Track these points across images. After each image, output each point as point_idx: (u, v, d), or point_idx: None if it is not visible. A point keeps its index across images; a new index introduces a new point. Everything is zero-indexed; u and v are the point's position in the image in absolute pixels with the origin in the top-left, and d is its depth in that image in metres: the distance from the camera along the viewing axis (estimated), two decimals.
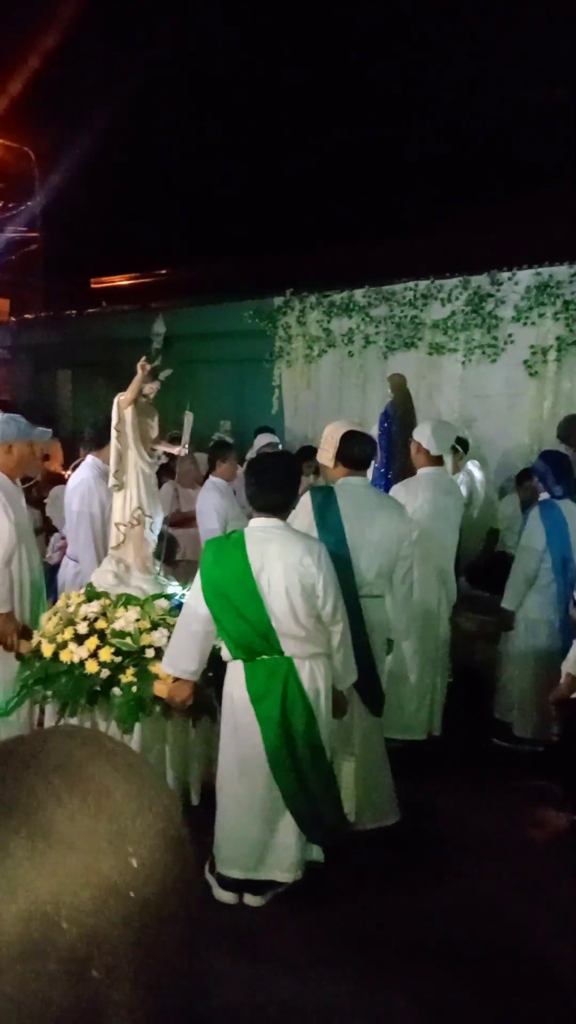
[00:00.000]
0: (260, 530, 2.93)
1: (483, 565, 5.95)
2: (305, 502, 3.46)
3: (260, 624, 2.85)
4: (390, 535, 3.41)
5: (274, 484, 2.97)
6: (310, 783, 2.90)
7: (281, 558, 2.83)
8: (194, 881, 0.54)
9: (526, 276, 6.44)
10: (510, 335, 6.55)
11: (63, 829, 0.48)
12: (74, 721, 3.41)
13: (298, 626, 2.84)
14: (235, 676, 2.96)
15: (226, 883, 3.02)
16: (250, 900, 3.05)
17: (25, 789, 0.49)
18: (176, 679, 3.10)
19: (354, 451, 3.49)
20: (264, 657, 2.90)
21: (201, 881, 2.54)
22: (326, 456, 3.57)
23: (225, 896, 3.02)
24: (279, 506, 2.97)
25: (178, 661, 3.06)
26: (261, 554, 2.85)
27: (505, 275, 6.56)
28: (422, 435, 4.48)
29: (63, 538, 4.90)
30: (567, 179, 7.08)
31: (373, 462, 4.74)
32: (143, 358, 3.62)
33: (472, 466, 6.16)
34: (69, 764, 0.52)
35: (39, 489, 7.01)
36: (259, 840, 2.95)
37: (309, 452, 7.47)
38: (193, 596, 2.99)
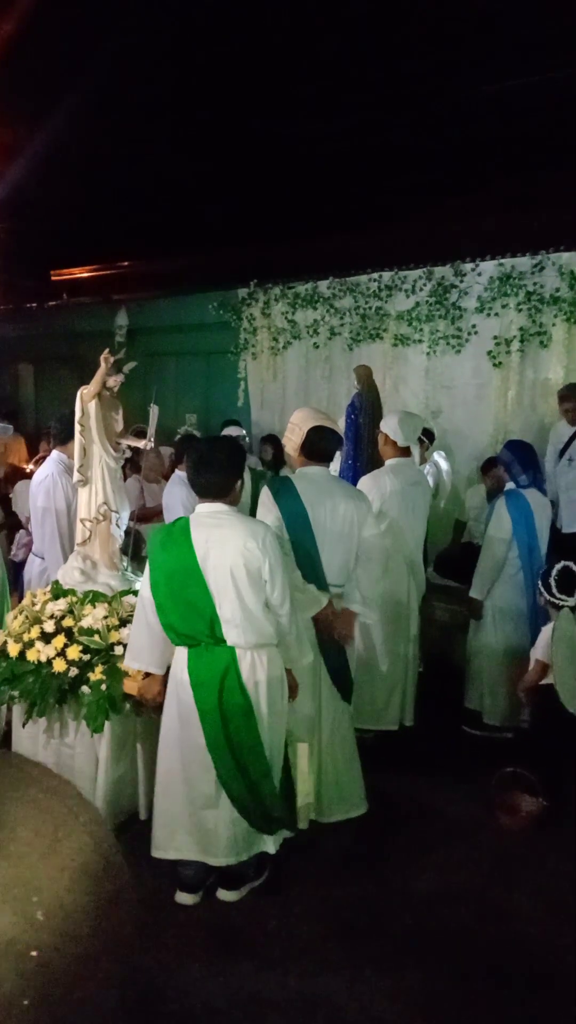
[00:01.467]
0: (206, 515, 2.89)
1: (450, 555, 5.99)
2: (266, 496, 3.43)
3: (205, 611, 2.81)
4: (350, 520, 3.40)
5: (212, 467, 2.90)
6: (248, 771, 2.86)
7: (225, 542, 2.79)
8: (128, 904, 0.51)
9: (489, 267, 6.48)
10: (474, 326, 6.59)
11: (10, 858, 0.45)
12: (43, 721, 3.36)
13: (243, 612, 2.80)
14: (179, 659, 2.93)
15: (186, 885, 2.99)
16: (224, 895, 3.03)
17: None
18: (146, 675, 3.06)
19: (320, 445, 3.46)
20: (206, 645, 2.86)
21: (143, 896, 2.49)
22: (291, 445, 3.55)
23: (184, 898, 2.97)
24: (220, 489, 2.90)
25: (140, 655, 3.01)
26: (206, 539, 2.81)
27: (468, 266, 6.59)
28: (388, 426, 4.48)
29: (28, 534, 4.82)
30: (530, 170, 7.10)
31: (339, 453, 4.73)
32: (106, 350, 3.56)
33: (438, 456, 6.20)
34: (15, 794, 0.49)
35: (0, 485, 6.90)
36: (192, 822, 2.89)
37: (269, 438, 7.47)
38: (145, 586, 2.94)
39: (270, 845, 3.02)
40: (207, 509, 2.91)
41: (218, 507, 2.90)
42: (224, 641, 2.85)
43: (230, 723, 2.84)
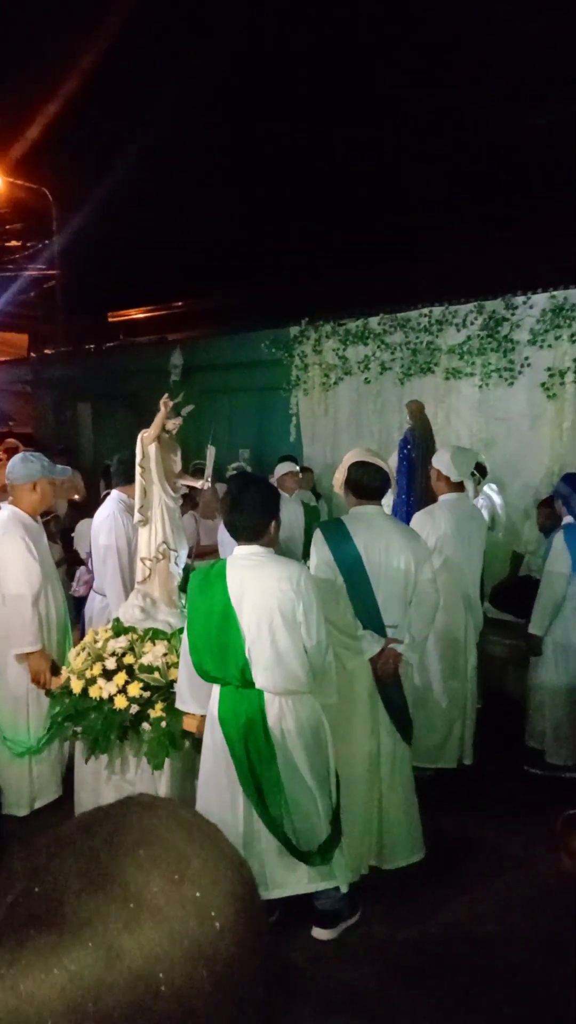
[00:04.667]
0: (242, 558, 2.88)
1: (507, 589, 5.91)
2: (317, 537, 3.42)
3: (237, 654, 2.79)
4: (406, 561, 3.34)
5: (245, 510, 2.89)
6: (268, 810, 2.82)
7: (260, 584, 2.78)
8: (266, 940, 0.56)
9: (541, 299, 6.47)
10: (526, 358, 6.57)
11: (151, 898, 0.50)
12: (104, 757, 3.42)
13: (275, 656, 2.76)
14: (214, 695, 2.94)
15: None
16: (318, 934, 3.01)
17: (114, 861, 0.52)
18: (202, 715, 3.09)
19: (361, 480, 3.42)
20: (236, 687, 2.85)
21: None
22: (337, 483, 3.57)
23: None
24: (254, 532, 2.88)
25: (185, 697, 3.03)
26: (240, 581, 2.80)
27: (520, 299, 6.59)
28: (441, 462, 4.49)
29: (89, 571, 4.94)
30: None
31: (391, 491, 4.72)
32: (165, 395, 3.66)
33: (490, 490, 6.15)
34: (150, 836, 0.54)
35: (58, 522, 7.10)
36: None
37: (304, 469, 7.47)
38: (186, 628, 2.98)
39: (342, 883, 2.97)
40: (244, 551, 2.91)
41: (254, 549, 2.89)
42: (253, 684, 2.83)
43: (254, 762, 2.82)
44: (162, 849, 0.53)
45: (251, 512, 2.89)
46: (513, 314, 6.62)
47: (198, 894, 0.52)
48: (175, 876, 0.52)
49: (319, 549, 3.39)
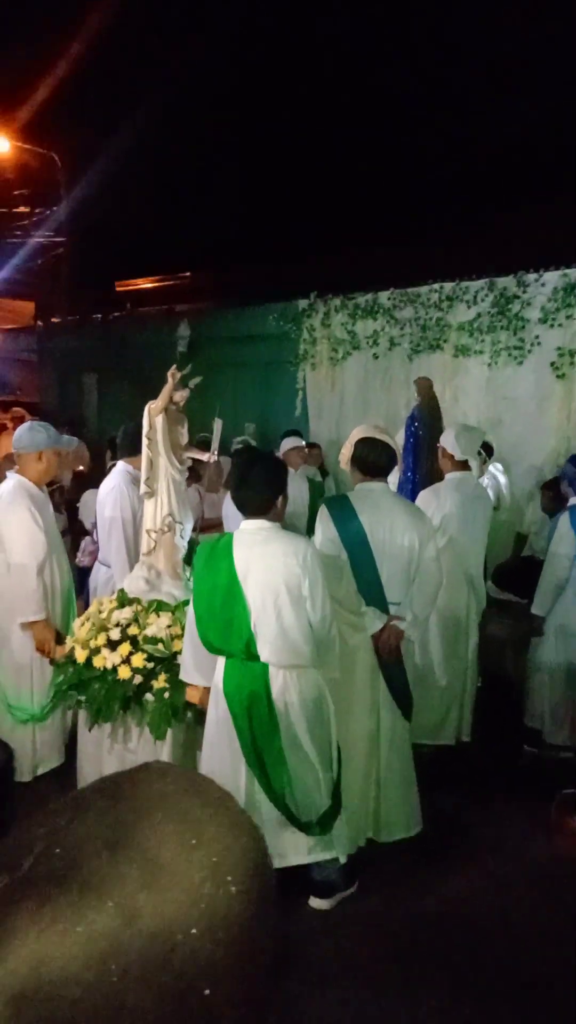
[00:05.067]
0: (248, 533, 2.89)
1: (510, 569, 5.92)
2: (322, 514, 3.43)
3: (242, 628, 2.81)
4: (410, 539, 3.35)
5: (252, 484, 2.89)
6: (271, 782, 2.86)
7: (265, 559, 2.79)
8: (278, 905, 0.57)
9: (553, 277, 6.40)
10: (536, 337, 6.52)
11: (167, 860, 0.52)
12: (107, 726, 3.46)
13: (280, 631, 2.78)
14: (219, 666, 2.96)
15: None
16: (316, 903, 3.06)
17: (131, 824, 0.53)
18: (206, 687, 3.12)
19: (368, 457, 3.42)
20: (241, 659, 2.87)
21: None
22: (344, 458, 3.57)
23: None
24: (261, 507, 2.89)
25: (189, 670, 3.06)
26: (247, 556, 2.81)
27: (532, 276, 6.52)
28: (447, 440, 4.47)
29: (94, 542, 4.96)
30: None
31: (397, 468, 4.71)
32: (173, 366, 3.64)
33: (495, 469, 6.13)
34: (165, 800, 0.56)
35: (63, 493, 7.12)
36: None
37: (311, 445, 7.45)
38: (192, 601, 2.99)
39: (341, 854, 3.01)
40: (250, 526, 2.91)
41: (260, 524, 2.89)
42: (258, 658, 2.85)
43: (257, 734, 2.85)
44: (178, 814, 0.55)
45: (258, 487, 2.89)
46: (524, 292, 6.55)
47: (214, 859, 0.53)
48: (191, 840, 0.53)
49: (324, 525, 3.40)
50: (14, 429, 9.52)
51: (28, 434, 3.95)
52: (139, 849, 0.52)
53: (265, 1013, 0.53)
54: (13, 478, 3.97)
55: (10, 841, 0.54)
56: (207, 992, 0.49)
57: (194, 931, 0.49)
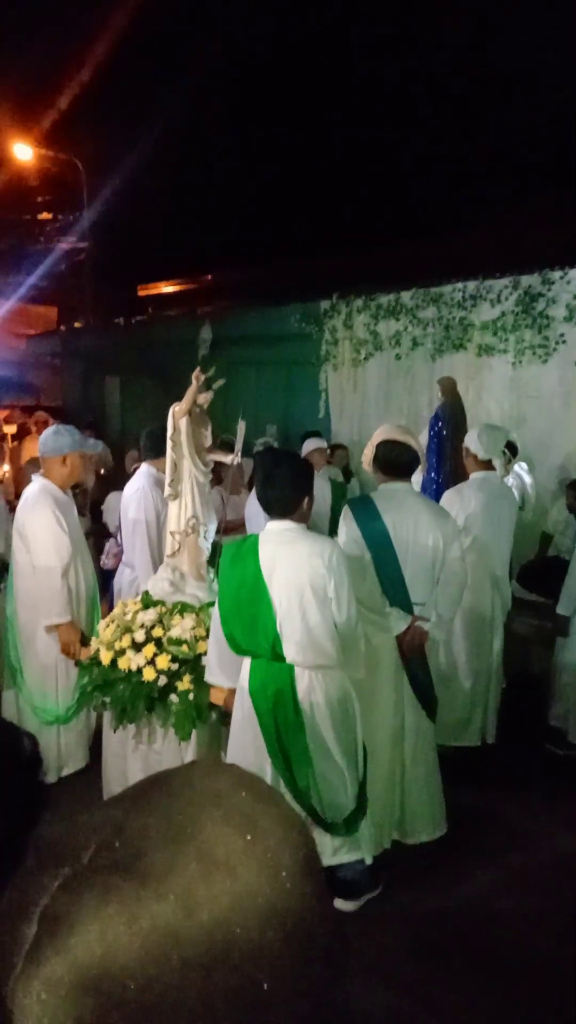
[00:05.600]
0: (274, 533, 2.89)
1: (536, 568, 5.86)
2: (346, 514, 3.42)
3: (268, 628, 2.81)
4: (434, 539, 3.33)
5: (278, 485, 2.89)
6: (296, 782, 2.85)
7: (291, 560, 2.78)
8: (328, 899, 0.57)
9: None
10: (562, 335, 6.45)
11: (223, 854, 0.52)
12: (132, 727, 3.47)
13: (305, 631, 2.78)
14: (244, 666, 2.96)
15: None
16: (341, 905, 3.04)
17: (188, 819, 0.54)
18: (230, 688, 3.12)
19: (389, 458, 3.41)
20: (267, 659, 2.87)
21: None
22: (366, 460, 3.56)
23: None
24: (287, 507, 2.88)
25: (214, 671, 3.06)
26: (272, 557, 2.81)
27: (556, 274, 6.45)
28: (471, 440, 4.44)
29: (118, 544, 4.99)
30: None
31: (420, 468, 4.68)
32: (197, 369, 3.65)
33: (520, 469, 6.08)
34: (219, 796, 0.56)
35: (86, 495, 7.17)
36: None
37: (337, 446, 7.44)
38: (217, 601, 3.00)
39: (367, 855, 3.00)
40: (276, 527, 2.91)
41: (286, 525, 2.89)
42: (284, 658, 2.85)
43: (283, 735, 2.85)
44: (232, 809, 0.55)
45: (284, 487, 2.89)
46: (549, 290, 6.49)
47: (268, 853, 0.54)
48: (246, 835, 0.54)
49: (348, 526, 3.39)
50: (38, 433, 9.61)
51: (53, 438, 3.99)
52: (196, 843, 0.52)
53: (322, 1007, 0.53)
54: (38, 481, 4.01)
55: (61, 833, 0.54)
56: (265, 986, 0.49)
57: (251, 925, 0.50)
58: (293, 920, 0.52)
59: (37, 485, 3.99)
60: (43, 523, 3.88)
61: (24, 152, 15.79)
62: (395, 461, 3.42)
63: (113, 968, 0.46)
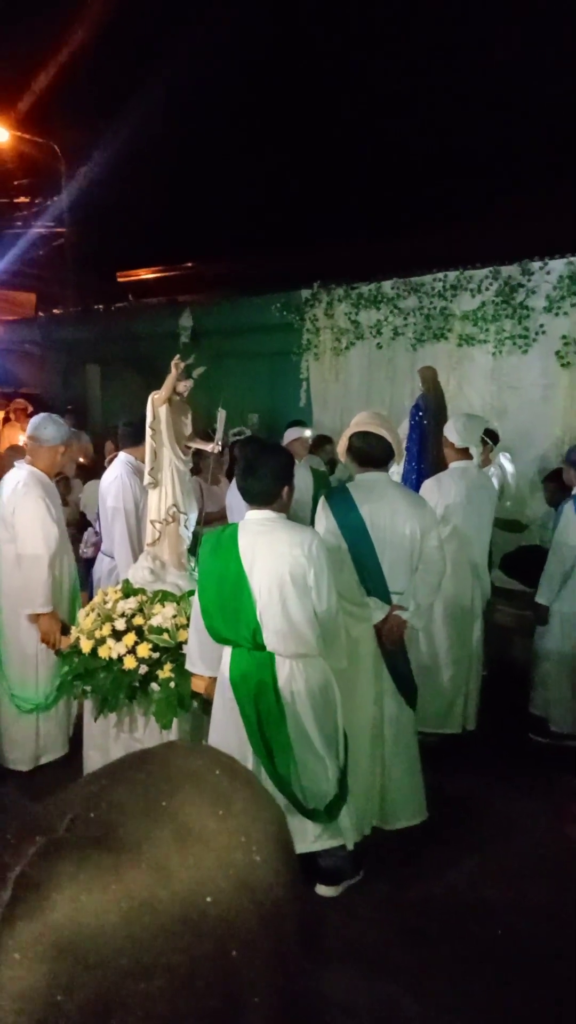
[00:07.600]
0: (254, 523, 2.88)
1: (518, 556, 5.90)
2: (322, 505, 3.41)
3: (248, 618, 2.81)
4: (411, 528, 3.32)
5: (258, 474, 2.87)
6: (277, 768, 2.86)
7: (271, 549, 2.78)
8: (300, 878, 0.59)
9: (558, 265, 6.35)
10: (541, 326, 6.48)
11: (198, 829, 0.54)
12: (113, 716, 3.46)
13: (285, 620, 2.79)
14: (225, 655, 2.96)
15: None
16: (322, 891, 3.06)
17: (164, 794, 0.55)
18: (211, 677, 3.12)
19: (363, 450, 3.38)
20: (247, 648, 2.87)
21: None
22: (340, 450, 3.55)
23: None
24: (267, 497, 2.88)
25: (201, 660, 3.06)
26: (252, 546, 2.81)
27: (536, 264, 6.48)
28: (449, 428, 4.46)
29: (97, 533, 4.95)
30: None
31: (399, 459, 4.67)
32: (177, 356, 3.62)
33: (503, 458, 6.11)
34: (194, 774, 0.58)
35: (68, 484, 7.12)
36: None
37: (324, 439, 7.44)
38: (197, 591, 2.99)
39: (348, 841, 3.02)
40: (255, 516, 2.90)
41: (266, 514, 2.89)
42: (264, 647, 2.85)
43: (264, 723, 2.86)
44: (207, 786, 0.57)
45: (265, 477, 2.88)
46: (529, 280, 6.51)
47: (241, 828, 0.55)
48: (220, 811, 0.55)
49: (325, 517, 3.39)
50: (16, 420, 9.49)
51: (54, 427, 3.95)
52: (171, 816, 0.54)
53: (294, 983, 0.55)
54: (24, 468, 3.95)
55: (40, 808, 0.55)
56: (235, 953, 0.51)
57: (224, 896, 0.51)
58: (263, 893, 0.54)
59: (24, 472, 3.93)
60: (33, 511, 3.83)
61: (0, 134, 15.55)
62: (368, 452, 3.39)
63: (87, 931, 0.47)
